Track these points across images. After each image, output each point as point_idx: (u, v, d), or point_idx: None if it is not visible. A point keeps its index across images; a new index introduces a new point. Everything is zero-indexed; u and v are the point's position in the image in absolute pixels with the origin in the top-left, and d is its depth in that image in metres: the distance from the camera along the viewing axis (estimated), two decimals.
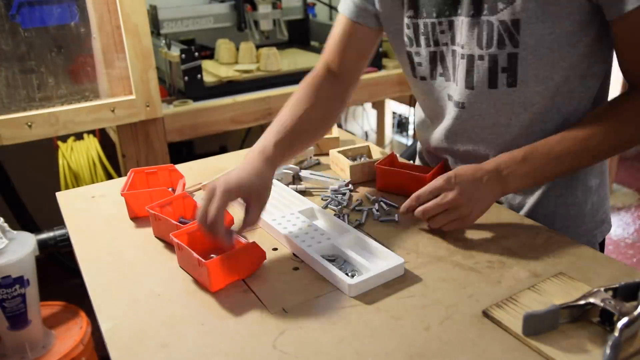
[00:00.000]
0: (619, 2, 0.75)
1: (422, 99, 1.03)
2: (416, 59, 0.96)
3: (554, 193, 0.93)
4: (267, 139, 0.88)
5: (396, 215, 0.93)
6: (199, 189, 1.07)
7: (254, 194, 0.81)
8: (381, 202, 0.98)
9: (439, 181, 0.83)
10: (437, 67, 0.94)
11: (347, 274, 0.76)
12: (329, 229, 0.87)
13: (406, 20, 0.93)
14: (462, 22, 0.86)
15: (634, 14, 0.75)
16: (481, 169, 0.84)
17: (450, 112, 0.94)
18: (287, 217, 0.92)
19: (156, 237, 0.90)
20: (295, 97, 0.97)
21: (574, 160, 0.84)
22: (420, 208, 0.84)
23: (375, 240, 0.84)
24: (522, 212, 0.96)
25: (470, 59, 0.87)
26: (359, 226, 0.91)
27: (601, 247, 1.00)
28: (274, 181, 1.05)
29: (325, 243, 0.84)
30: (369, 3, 0.97)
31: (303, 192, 1.05)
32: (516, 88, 0.86)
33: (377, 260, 0.81)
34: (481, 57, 0.86)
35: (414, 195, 0.85)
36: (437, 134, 1.00)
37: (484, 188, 0.83)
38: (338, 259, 0.82)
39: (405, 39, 0.95)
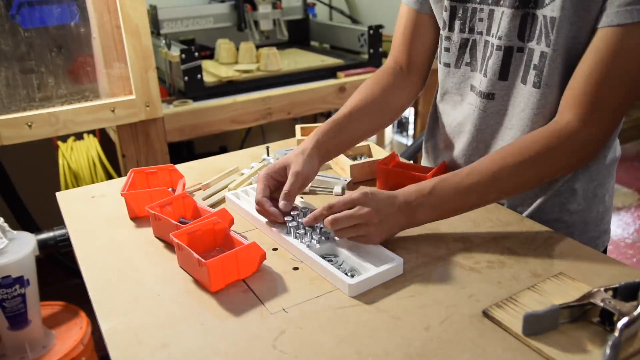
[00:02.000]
0: (615, 15, 0.74)
1: (440, 88, 1.03)
2: (444, 44, 0.97)
3: (558, 200, 0.93)
4: (319, 127, 0.96)
5: None
6: (199, 189, 1.07)
7: (288, 171, 0.89)
8: None
9: (355, 194, 0.81)
10: (465, 55, 0.95)
11: (346, 274, 0.76)
12: (328, 229, 0.87)
13: (446, 2, 0.94)
14: (502, 14, 0.86)
15: (626, 29, 0.74)
16: (394, 196, 0.82)
17: (476, 104, 0.94)
18: (285, 217, 0.92)
19: (156, 237, 0.90)
20: (357, 90, 1.03)
21: (482, 194, 0.82)
22: (331, 216, 0.80)
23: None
24: (525, 216, 0.95)
25: (509, 51, 0.87)
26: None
27: None
28: None
29: (323, 243, 0.84)
30: None
31: (307, 192, 1.05)
32: (539, 90, 0.85)
33: (376, 260, 0.81)
34: (520, 50, 0.86)
35: (326, 204, 0.82)
36: (459, 127, 1.00)
37: (394, 214, 0.81)
38: (337, 259, 0.82)
39: (440, 22, 0.97)
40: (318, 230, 0.85)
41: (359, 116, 0.99)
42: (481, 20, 0.90)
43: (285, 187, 0.87)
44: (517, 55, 0.87)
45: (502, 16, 0.86)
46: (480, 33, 0.91)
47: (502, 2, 0.86)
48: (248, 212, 0.94)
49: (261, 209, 0.88)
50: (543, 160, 0.80)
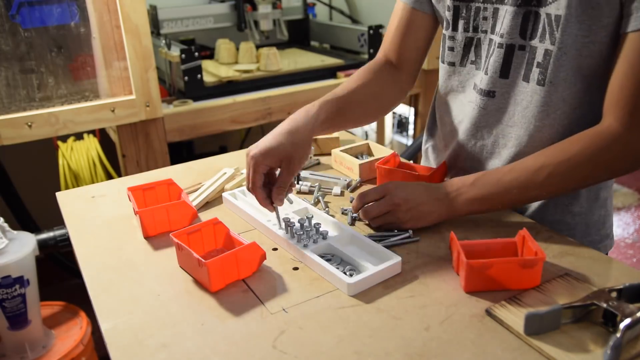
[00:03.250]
0: None
1: (443, 87, 1.02)
2: (448, 43, 0.97)
3: (561, 201, 0.92)
4: (314, 101, 0.90)
5: None
6: (198, 189, 1.07)
7: (283, 160, 0.83)
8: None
9: (387, 184, 0.87)
10: (470, 54, 0.94)
11: (345, 274, 0.76)
12: (325, 228, 0.87)
13: (448, 2, 0.93)
14: (506, 11, 0.86)
15: None
16: (431, 186, 0.87)
17: (476, 101, 0.94)
18: (283, 217, 0.92)
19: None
20: (350, 77, 1.00)
21: (523, 190, 0.83)
22: (363, 208, 0.88)
23: (373, 239, 0.84)
24: (527, 217, 0.95)
25: (510, 49, 0.87)
26: (354, 225, 0.91)
27: None
28: None
29: (321, 242, 0.83)
30: None
31: (306, 192, 1.05)
32: (544, 88, 0.85)
33: (374, 259, 0.80)
34: (522, 48, 0.86)
35: (360, 194, 0.89)
36: (459, 125, 0.99)
37: (429, 202, 0.86)
38: (335, 258, 0.82)
39: (444, 21, 0.96)
40: (316, 230, 0.85)
41: (356, 102, 0.96)
42: (485, 19, 0.90)
43: (279, 182, 0.84)
44: (518, 53, 0.86)
45: (505, 14, 0.86)
46: (485, 32, 0.91)
47: (505, 0, 0.86)
48: (247, 212, 0.94)
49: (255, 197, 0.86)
50: (585, 161, 0.80)
